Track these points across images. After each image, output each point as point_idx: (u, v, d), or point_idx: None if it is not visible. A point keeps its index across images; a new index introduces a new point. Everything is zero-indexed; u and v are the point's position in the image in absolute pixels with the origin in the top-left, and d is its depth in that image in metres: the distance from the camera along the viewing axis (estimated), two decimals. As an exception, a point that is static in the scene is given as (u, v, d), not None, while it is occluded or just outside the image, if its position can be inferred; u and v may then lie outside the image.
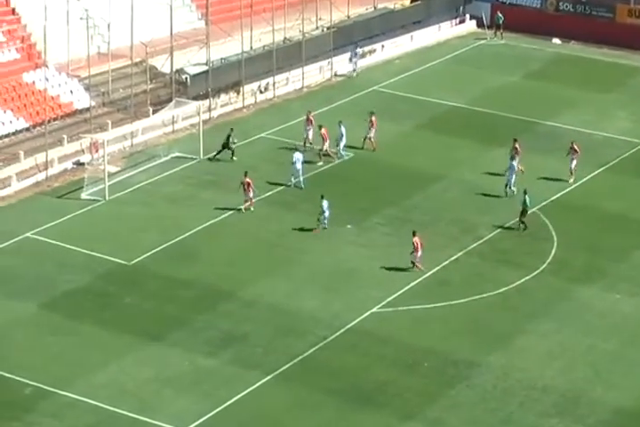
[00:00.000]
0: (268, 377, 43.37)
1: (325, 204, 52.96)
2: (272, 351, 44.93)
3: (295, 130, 64.43)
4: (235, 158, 60.26)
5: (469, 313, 48.08)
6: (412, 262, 50.56)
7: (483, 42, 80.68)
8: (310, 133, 61.58)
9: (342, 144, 61.16)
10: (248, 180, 54.67)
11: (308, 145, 61.61)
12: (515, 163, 57.26)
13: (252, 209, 55.08)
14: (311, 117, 61.78)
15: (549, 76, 74.25)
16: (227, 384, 42.83)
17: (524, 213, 53.91)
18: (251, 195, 54.96)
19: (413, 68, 74.69)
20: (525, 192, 53.78)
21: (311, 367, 44.23)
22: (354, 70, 74.06)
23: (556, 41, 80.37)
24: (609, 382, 43.96)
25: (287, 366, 44.09)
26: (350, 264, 51.43)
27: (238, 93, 68.44)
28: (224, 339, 45.59)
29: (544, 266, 51.83)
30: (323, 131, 60.17)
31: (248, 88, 68.83)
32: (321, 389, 42.89)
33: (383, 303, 47.74)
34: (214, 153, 60.69)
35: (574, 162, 59.31)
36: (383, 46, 77.64)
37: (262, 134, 64.50)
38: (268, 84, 69.88)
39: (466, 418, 41.38)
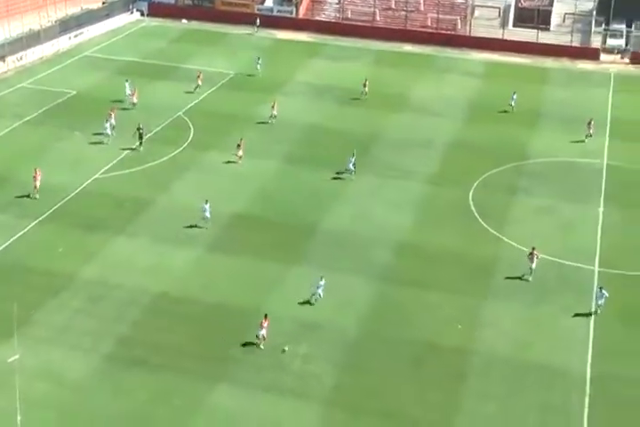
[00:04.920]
0: (38, 220, 42.34)
1: None
2: (39, 206, 43.55)
3: (40, 81, 60.64)
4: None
5: (150, 173, 47.54)
6: None
7: (144, 24, 77.47)
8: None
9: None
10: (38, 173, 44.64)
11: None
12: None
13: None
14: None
15: (184, 40, 72.17)
16: (15, 227, 41.53)
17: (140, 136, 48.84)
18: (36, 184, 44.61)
19: (106, 41, 70.93)
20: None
21: (62, 213, 43.16)
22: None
23: (184, 21, 78.36)
24: (232, 200, 44.36)
25: (49, 212, 43.04)
26: (82, 154, 49.43)
27: (4, 62, 63.79)
28: (14, 203, 43.76)
29: (186, 144, 51.52)
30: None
31: (10, 59, 64.21)
32: (71, 224, 42.00)
33: (100, 172, 46.81)
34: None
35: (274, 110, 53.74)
36: (88, 30, 73.52)
37: (21, 84, 60.42)
38: (21, 56, 65.35)
39: (155, 232, 41.26)
